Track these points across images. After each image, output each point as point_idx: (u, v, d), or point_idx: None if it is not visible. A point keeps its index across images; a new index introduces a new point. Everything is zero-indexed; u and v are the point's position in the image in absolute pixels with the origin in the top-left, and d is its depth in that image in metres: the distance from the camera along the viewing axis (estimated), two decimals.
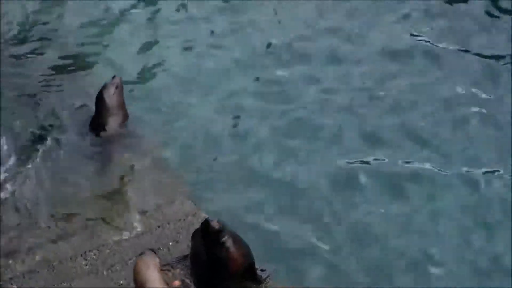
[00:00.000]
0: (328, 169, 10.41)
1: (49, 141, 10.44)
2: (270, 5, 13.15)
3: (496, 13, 13.01)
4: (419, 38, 12.57)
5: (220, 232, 8.05)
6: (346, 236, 9.65)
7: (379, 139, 10.87)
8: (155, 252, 8.14)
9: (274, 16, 13.00)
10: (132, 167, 10.14)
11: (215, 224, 8.05)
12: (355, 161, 10.56)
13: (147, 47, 12.32)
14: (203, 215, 9.20)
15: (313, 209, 9.89)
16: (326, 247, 9.48)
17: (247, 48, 12.33)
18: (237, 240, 8.22)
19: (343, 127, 11.01)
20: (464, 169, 10.46)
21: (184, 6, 13.11)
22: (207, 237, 8.09)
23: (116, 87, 10.48)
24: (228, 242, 8.09)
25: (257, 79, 11.84)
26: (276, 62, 12.11)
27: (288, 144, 10.75)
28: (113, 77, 10.59)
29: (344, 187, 10.21)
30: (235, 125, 11.06)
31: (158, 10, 12.99)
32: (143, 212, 9.50)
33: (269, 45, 12.40)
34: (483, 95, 11.53)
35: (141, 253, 8.15)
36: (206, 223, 8.09)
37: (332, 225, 9.74)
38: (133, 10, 12.98)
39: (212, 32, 12.66)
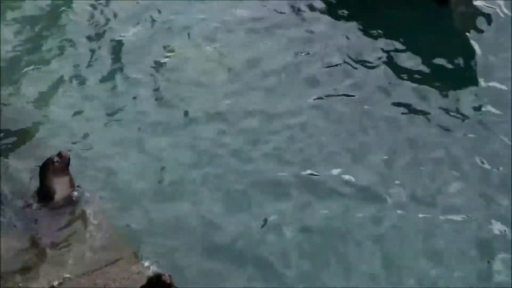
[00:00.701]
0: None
1: None
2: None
3: None
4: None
5: (170, 286, 8.51)
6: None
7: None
8: None
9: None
10: (77, 230, 10.40)
11: (166, 278, 8.51)
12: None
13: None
14: (147, 274, 9.58)
15: None
16: None
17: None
18: None
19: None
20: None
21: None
22: None
23: (57, 162, 10.46)
24: None
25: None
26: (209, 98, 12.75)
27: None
28: (58, 153, 10.57)
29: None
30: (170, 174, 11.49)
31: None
32: (88, 272, 9.85)
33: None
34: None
35: None
36: (157, 278, 8.57)
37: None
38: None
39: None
